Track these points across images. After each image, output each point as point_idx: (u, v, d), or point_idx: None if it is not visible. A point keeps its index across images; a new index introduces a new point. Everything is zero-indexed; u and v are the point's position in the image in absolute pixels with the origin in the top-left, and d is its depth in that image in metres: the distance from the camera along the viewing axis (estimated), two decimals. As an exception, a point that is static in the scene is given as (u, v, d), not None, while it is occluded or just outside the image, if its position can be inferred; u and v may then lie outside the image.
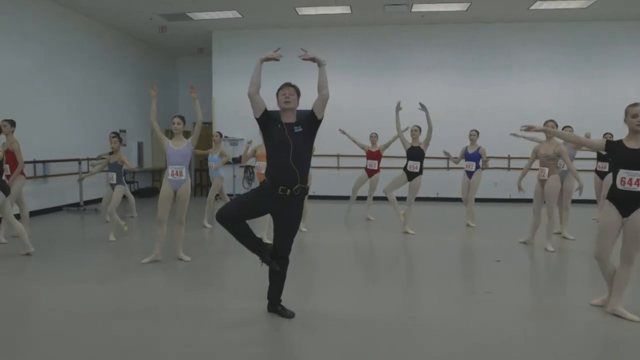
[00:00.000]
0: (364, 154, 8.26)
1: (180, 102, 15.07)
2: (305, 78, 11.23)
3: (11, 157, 6.18)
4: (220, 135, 8.23)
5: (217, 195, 7.94)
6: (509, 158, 11.17)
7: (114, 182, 6.85)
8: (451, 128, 9.82)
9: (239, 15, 10.29)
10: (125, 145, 11.27)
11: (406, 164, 7.17)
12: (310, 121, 3.62)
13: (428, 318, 3.86)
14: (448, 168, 10.88)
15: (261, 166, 6.46)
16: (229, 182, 11.82)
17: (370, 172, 8.17)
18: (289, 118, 3.57)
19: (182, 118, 5.49)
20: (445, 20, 10.76)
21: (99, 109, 10.73)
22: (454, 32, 11.04)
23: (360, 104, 11.17)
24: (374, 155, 8.14)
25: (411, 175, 7.10)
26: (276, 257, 3.64)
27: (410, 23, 10.94)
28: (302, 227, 7.15)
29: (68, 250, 6.12)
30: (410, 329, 3.66)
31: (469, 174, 7.75)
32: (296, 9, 9.83)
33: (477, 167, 7.70)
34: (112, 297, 4.30)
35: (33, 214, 8.10)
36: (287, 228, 3.60)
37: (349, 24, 11.08)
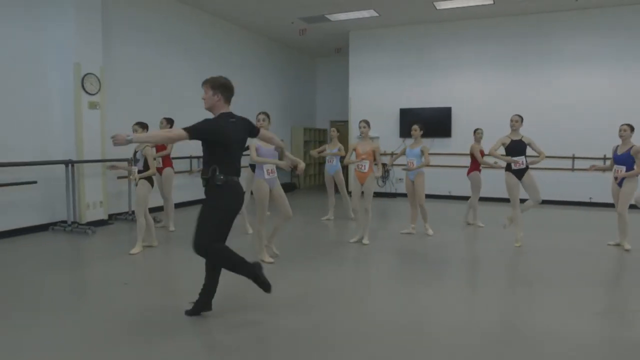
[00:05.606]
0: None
1: (318, 101, 15.66)
2: (446, 76, 11.02)
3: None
4: (337, 130, 8.36)
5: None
6: (573, 158, 9.99)
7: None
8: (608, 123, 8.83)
9: (376, 14, 10.32)
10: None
11: (509, 163, 6.09)
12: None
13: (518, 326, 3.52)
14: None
15: (361, 164, 6.30)
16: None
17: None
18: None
19: (267, 114, 5.52)
20: (602, 4, 9.61)
21: (248, 110, 11.53)
22: (614, 16, 9.80)
23: (504, 101, 10.47)
24: (482, 154, 7.54)
25: (520, 174, 6.09)
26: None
27: (560, 10, 9.98)
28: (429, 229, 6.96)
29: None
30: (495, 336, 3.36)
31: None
32: (434, 3, 9.57)
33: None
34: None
35: (183, 205, 9.17)
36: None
37: (491, 16, 10.47)
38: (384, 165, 8.31)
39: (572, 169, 10.06)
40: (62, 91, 7.19)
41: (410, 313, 3.93)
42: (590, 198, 9.94)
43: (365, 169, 6.22)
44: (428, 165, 6.70)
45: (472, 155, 7.54)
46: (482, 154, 7.53)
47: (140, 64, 8.53)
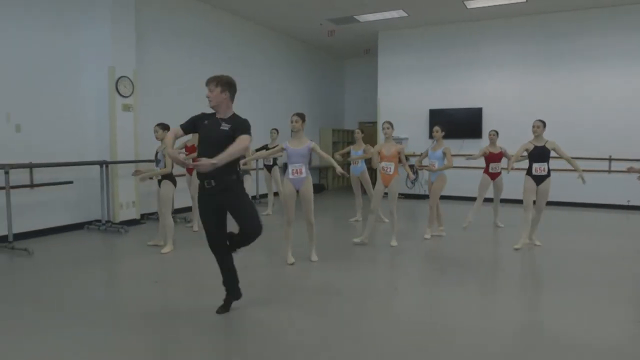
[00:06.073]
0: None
1: (347, 102, 15.65)
2: (477, 76, 10.85)
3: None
4: (362, 131, 8.28)
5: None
6: (610, 159, 9.64)
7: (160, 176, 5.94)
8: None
9: (405, 14, 10.25)
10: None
11: (530, 168, 6.05)
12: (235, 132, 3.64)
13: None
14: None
15: (386, 166, 6.26)
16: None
17: (494, 175, 7.45)
18: (220, 115, 3.81)
19: (301, 116, 5.10)
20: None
21: (278, 111, 11.62)
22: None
23: (537, 101, 10.22)
24: (496, 157, 7.37)
25: (539, 180, 6.01)
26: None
27: (596, 6, 9.66)
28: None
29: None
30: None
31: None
32: (464, 2, 9.44)
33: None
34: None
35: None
36: (235, 213, 3.61)
37: (524, 14, 10.25)
38: (411, 166, 8.23)
39: (609, 171, 9.76)
40: (97, 94, 7.40)
41: (436, 314, 3.89)
42: (629, 201, 9.62)
43: (390, 171, 6.17)
44: (451, 167, 6.60)
45: None
46: (497, 156, 7.39)
47: (171, 67, 8.71)
